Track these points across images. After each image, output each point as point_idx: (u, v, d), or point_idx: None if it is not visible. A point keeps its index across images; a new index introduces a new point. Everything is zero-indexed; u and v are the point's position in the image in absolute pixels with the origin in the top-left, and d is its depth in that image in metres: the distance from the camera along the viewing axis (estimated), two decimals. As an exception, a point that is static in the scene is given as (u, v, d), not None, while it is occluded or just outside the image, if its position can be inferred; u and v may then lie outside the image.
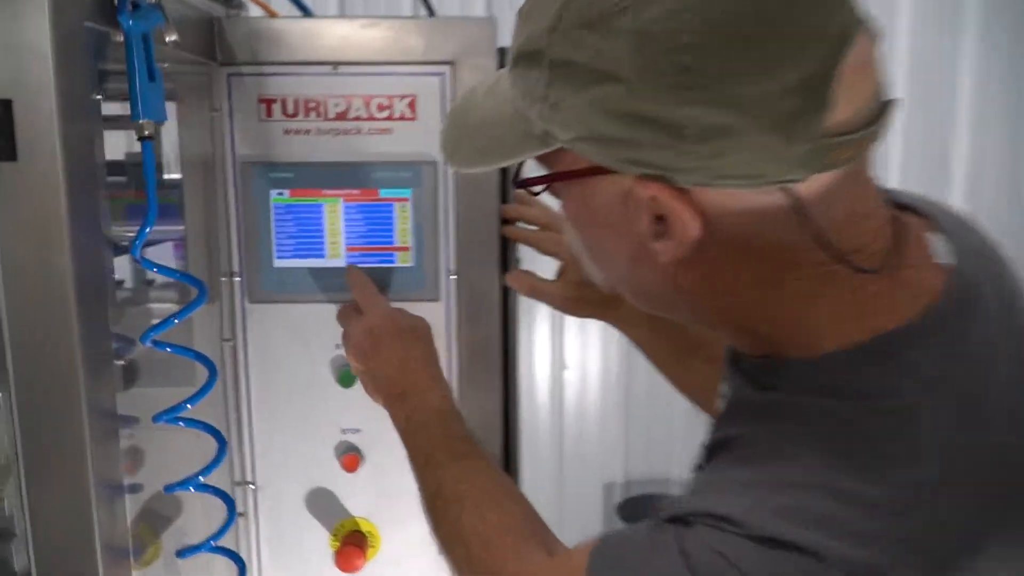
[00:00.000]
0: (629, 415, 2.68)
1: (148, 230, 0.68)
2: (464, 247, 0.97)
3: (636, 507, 2.56)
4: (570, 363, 2.60)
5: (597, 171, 0.55)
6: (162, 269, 0.73)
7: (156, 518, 1.02)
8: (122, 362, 0.71)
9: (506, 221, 0.97)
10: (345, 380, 0.97)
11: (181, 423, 0.75)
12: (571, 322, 2.48)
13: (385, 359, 0.85)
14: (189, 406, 0.75)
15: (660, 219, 0.55)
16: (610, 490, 2.73)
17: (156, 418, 0.75)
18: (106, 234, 0.67)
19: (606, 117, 0.52)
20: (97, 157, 0.66)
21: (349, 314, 0.92)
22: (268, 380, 0.98)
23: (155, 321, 0.76)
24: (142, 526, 0.95)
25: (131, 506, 0.83)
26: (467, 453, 0.79)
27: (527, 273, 0.98)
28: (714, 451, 0.61)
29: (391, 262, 0.96)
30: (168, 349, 0.74)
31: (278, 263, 0.96)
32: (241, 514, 1.00)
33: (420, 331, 0.88)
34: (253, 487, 1.00)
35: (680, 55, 0.49)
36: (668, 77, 0.49)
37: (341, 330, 0.93)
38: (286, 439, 0.99)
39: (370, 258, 0.96)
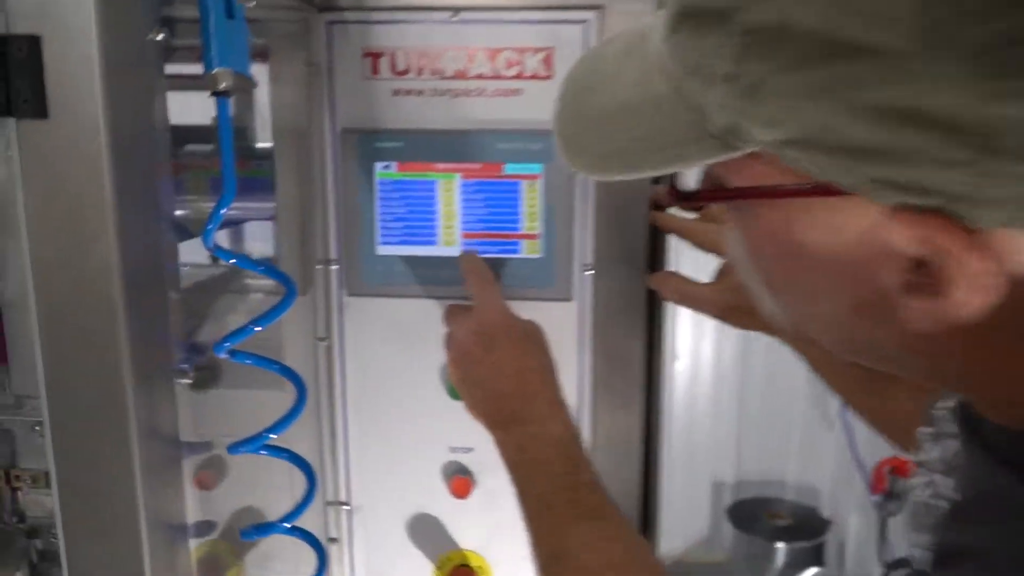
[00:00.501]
0: (743, 411, 2.46)
1: (223, 211, 0.53)
2: (604, 236, 0.79)
3: (747, 510, 2.34)
4: (680, 353, 2.40)
5: (821, 191, 0.37)
6: (241, 260, 0.59)
7: (238, 539, 0.89)
8: (187, 377, 0.57)
9: (657, 206, 0.79)
10: (456, 392, 0.81)
11: (263, 452, 0.61)
12: (684, 309, 2.26)
13: (496, 368, 0.69)
14: (272, 436, 0.61)
15: (921, 266, 0.36)
16: (719, 490, 2.53)
17: (232, 449, 0.61)
18: (167, 213, 0.52)
19: (850, 112, 0.33)
20: (157, 116, 0.52)
21: (457, 313, 0.76)
22: (367, 386, 0.84)
23: (232, 320, 0.61)
24: (222, 546, 0.83)
25: (204, 530, 0.71)
26: (599, 510, 0.62)
27: (675, 275, 0.80)
28: (946, 561, 0.42)
29: (515, 252, 0.80)
30: (248, 361, 0.60)
31: (382, 250, 0.80)
32: (333, 540, 0.86)
33: (537, 337, 0.72)
34: (348, 508, 0.86)
35: (1001, 19, 0.30)
36: (977, 55, 0.30)
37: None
38: (387, 456, 0.85)
39: (490, 247, 0.80)
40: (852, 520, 2.25)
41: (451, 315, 0.76)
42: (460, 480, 0.83)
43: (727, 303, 0.77)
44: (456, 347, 0.72)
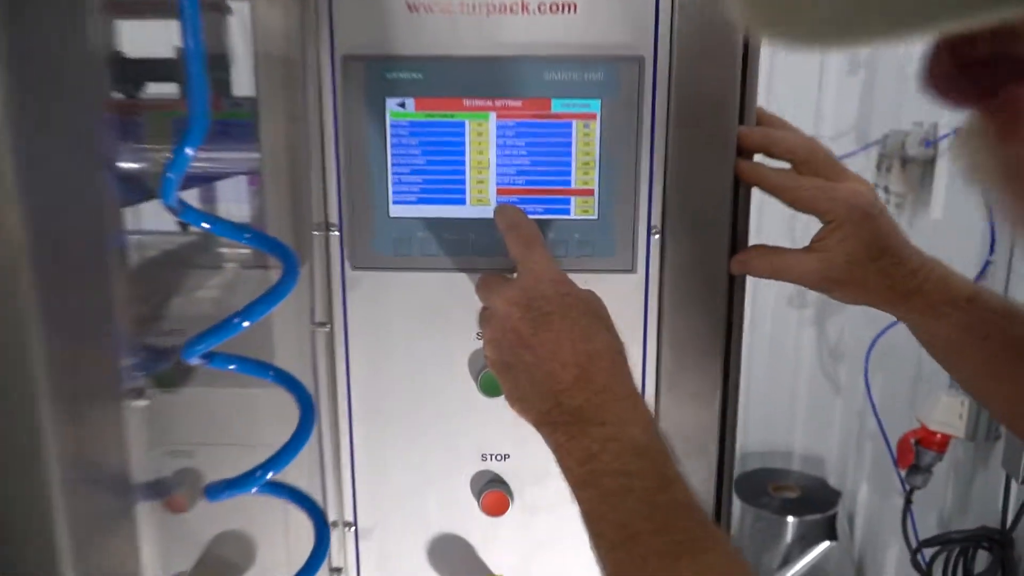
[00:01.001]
0: (749, 382, 2.34)
1: (190, 151, 0.36)
2: (677, 192, 0.63)
3: (753, 483, 2.23)
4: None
5: None
6: (218, 224, 0.42)
7: (222, 565, 0.73)
8: (141, 396, 0.40)
9: (741, 153, 0.63)
10: (490, 386, 0.65)
11: (254, 489, 0.45)
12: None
13: (550, 352, 0.53)
14: (271, 474, 0.44)
15: None
16: (725, 463, 2.42)
17: (213, 494, 0.44)
18: (107, 162, 0.35)
19: None
20: (92, 38, 0.34)
21: (495, 282, 0.59)
22: (378, 382, 0.67)
23: (206, 308, 0.45)
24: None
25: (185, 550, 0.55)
26: (701, 541, 0.48)
27: (762, 248, 0.64)
28: None
29: (564, 212, 0.63)
30: (232, 367, 0.43)
31: (396, 211, 0.64)
32: (337, 571, 0.70)
33: (601, 311, 0.57)
34: (353, 530, 0.70)
35: None
36: None
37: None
38: (403, 466, 0.69)
39: (533, 204, 0.63)
40: (863, 491, 2.15)
41: (488, 285, 0.60)
42: (494, 495, 0.67)
43: (830, 273, 0.62)
44: (496, 325, 0.56)
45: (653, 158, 0.62)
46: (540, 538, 0.69)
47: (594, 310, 0.56)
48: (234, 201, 0.75)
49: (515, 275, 0.58)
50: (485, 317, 0.59)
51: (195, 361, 0.42)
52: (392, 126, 0.62)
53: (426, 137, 0.62)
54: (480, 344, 0.66)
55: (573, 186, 0.63)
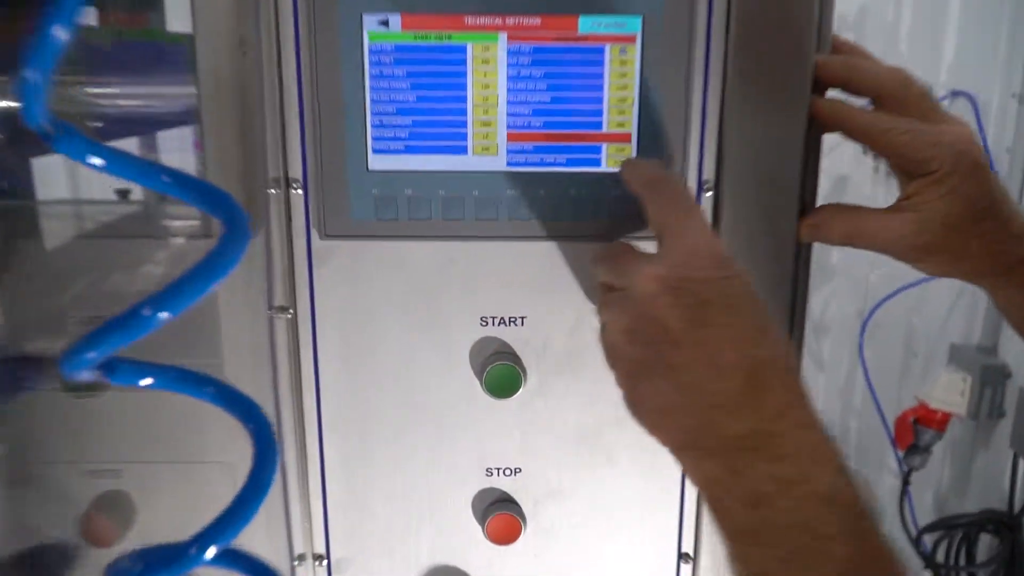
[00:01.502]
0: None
1: (57, 36, 0.21)
2: (736, 138, 0.50)
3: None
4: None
5: None
6: (115, 161, 0.27)
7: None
8: None
9: (816, 89, 0.50)
10: (499, 383, 0.51)
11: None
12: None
13: (707, 353, 0.40)
14: (212, 550, 0.30)
15: None
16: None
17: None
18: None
19: None
20: None
21: (626, 256, 0.45)
22: (356, 382, 0.53)
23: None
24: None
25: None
26: None
27: (839, 208, 0.51)
28: None
29: (594, 164, 0.50)
30: (146, 382, 0.29)
31: (378, 162, 0.49)
32: (307, 616, 0.56)
33: (763, 304, 0.42)
34: (325, 564, 0.56)
35: None
36: None
37: (587, 287, 0.51)
38: (387, 485, 0.55)
39: (554, 154, 0.49)
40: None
41: (616, 258, 0.46)
42: (502, 520, 0.54)
43: (922, 239, 0.49)
44: (632, 311, 0.42)
45: (707, 94, 0.49)
46: (558, 571, 0.56)
47: (757, 301, 0.42)
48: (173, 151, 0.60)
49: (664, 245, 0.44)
50: (611, 300, 0.44)
51: (86, 375, 0.27)
52: (371, 51, 0.47)
53: (416, 66, 0.48)
54: (483, 333, 0.52)
55: (605, 130, 0.49)
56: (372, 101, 0.48)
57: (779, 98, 0.49)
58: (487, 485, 0.55)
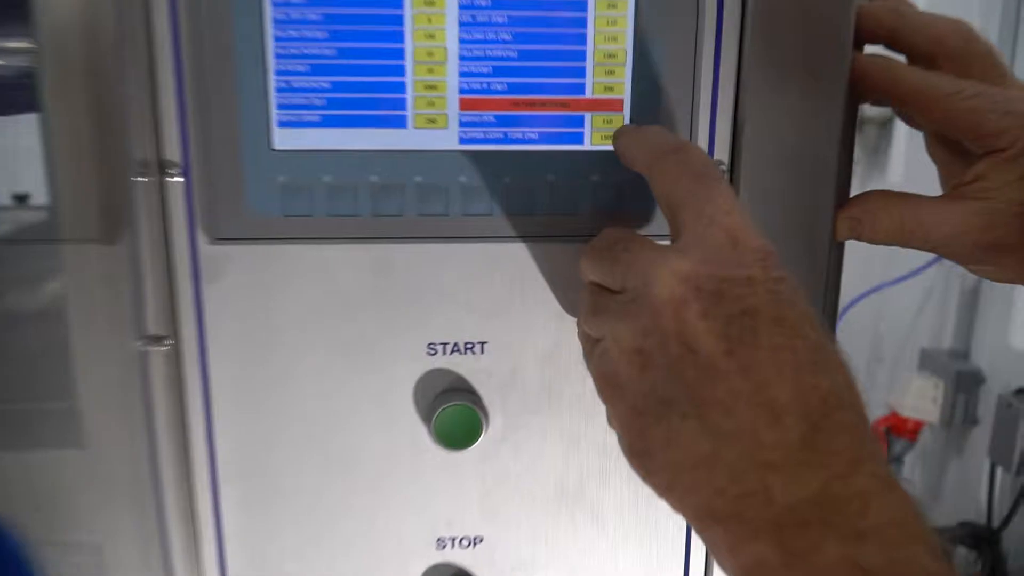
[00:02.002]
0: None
1: None
2: (757, 107, 0.38)
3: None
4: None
5: None
6: None
7: None
8: None
9: (858, 45, 0.39)
10: (454, 429, 0.39)
11: None
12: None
13: (755, 384, 0.29)
14: None
15: None
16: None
17: None
18: None
19: None
20: None
21: (631, 246, 0.33)
22: (261, 432, 0.40)
23: None
24: None
25: None
26: None
27: (888, 197, 0.40)
28: None
29: (575, 141, 0.38)
30: None
31: (285, 139, 0.36)
32: None
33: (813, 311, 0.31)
34: (230, 665, 0.43)
35: None
36: None
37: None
38: (302, 565, 0.42)
39: (523, 127, 0.37)
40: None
41: (617, 248, 0.33)
42: (459, 602, 0.42)
43: (991, 235, 0.39)
44: (639, 326, 0.30)
45: (720, 50, 0.37)
46: (530, 661, 0.44)
47: (808, 310, 0.30)
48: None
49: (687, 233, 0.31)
50: (611, 309, 0.32)
51: None
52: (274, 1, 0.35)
53: (337, 7, 0.35)
54: (432, 363, 0.40)
55: (589, 95, 0.37)
56: (276, 56, 0.35)
57: (813, 56, 0.38)
58: (439, 559, 0.42)
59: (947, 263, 1.41)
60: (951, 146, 0.41)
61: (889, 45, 0.40)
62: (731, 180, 0.39)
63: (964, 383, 1.43)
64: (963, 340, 1.48)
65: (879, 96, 0.39)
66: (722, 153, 0.39)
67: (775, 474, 0.28)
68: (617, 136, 0.36)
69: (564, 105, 0.37)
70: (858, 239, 0.41)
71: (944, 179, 0.44)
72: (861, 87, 0.39)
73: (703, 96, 0.38)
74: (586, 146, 0.37)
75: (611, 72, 0.37)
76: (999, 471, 1.38)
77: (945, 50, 0.39)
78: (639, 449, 0.31)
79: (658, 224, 0.38)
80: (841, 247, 0.41)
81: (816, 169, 0.39)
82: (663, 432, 0.30)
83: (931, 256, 1.42)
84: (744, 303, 0.29)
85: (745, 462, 0.28)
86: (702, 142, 0.38)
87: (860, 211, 0.40)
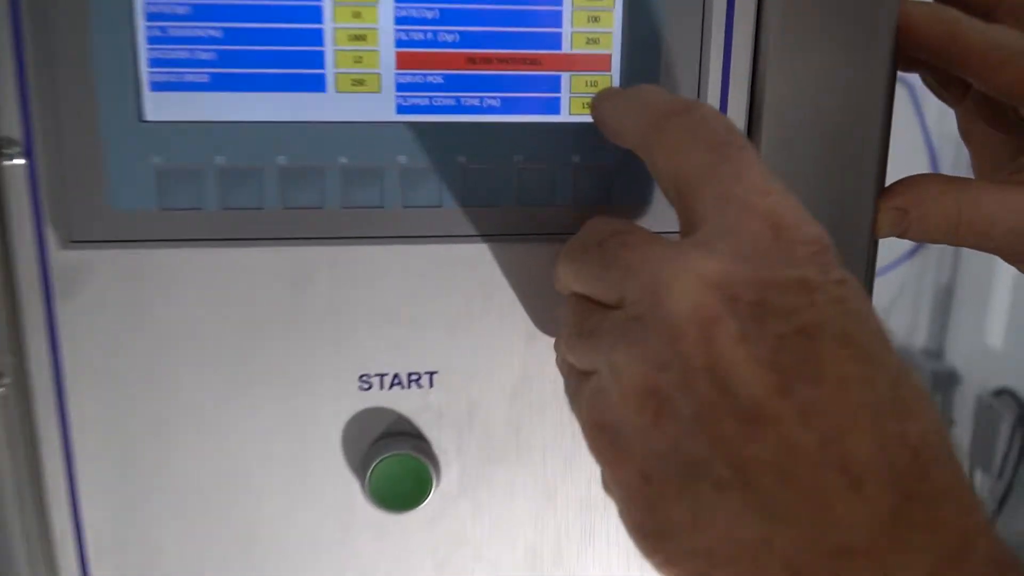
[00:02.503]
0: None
1: None
2: (779, 71, 0.30)
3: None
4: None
5: None
6: None
7: None
8: None
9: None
10: (395, 485, 0.30)
11: None
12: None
13: (822, 435, 0.19)
14: None
15: None
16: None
17: None
18: None
19: None
20: None
21: (637, 245, 0.24)
22: (139, 487, 0.31)
23: None
24: None
25: None
26: None
27: (938, 183, 0.32)
28: None
29: (551, 110, 0.29)
30: None
31: (159, 108, 0.27)
32: None
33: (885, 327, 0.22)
34: None
35: None
36: None
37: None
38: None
39: (481, 91, 0.28)
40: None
41: (610, 246, 0.24)
42: None
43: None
44: (662, 355, 0.21)
45: (735, 13, 0.29)
46: None
47: (880, 329, 0.22)
48: None
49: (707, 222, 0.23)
50: (605, 329, 0.23)
51: None
52: None
53: (225, -73, 0.26)
54: (366, 400, 0.31)
55: (567, 49, 0.28)
56: (148, 14, 0.26)
57: (850, 6, 0.29)
58: (377, 647, 0.33)
59: (920, 257, 1.36)
60: (999, 122, 0.33)
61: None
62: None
63: (939, 383, 1.39)
64: (937, 339, 1.43)
65: (929, 55, 0.31)
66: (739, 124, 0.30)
67: (856, 565, 0.19)
68: (597, 101, 0.27)
69: (535, 62, 0.28)
70: (902, 236, 0.32)
71: (980, 164, 0.36)
72: (907, 44, 0.31)
73: (713, 55, 0.29)
74: (563, 116, 0.29)
75: (596, 19, 0.28)
76: (979, 474, 1.33)
77: (1010, 3, 0.31)
78: (652, 530, 0.22)
79: (657, 218, 0.30)
80: (875, 242, 0.33)
81: (855, 149, 0.30)
82: (688, 508, 0.21)
83: (904, 250, 1.36)
84: (799, 319, 0.20)
85: (811, 550, 0.20)
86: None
87: (907, 200, 0.32)
